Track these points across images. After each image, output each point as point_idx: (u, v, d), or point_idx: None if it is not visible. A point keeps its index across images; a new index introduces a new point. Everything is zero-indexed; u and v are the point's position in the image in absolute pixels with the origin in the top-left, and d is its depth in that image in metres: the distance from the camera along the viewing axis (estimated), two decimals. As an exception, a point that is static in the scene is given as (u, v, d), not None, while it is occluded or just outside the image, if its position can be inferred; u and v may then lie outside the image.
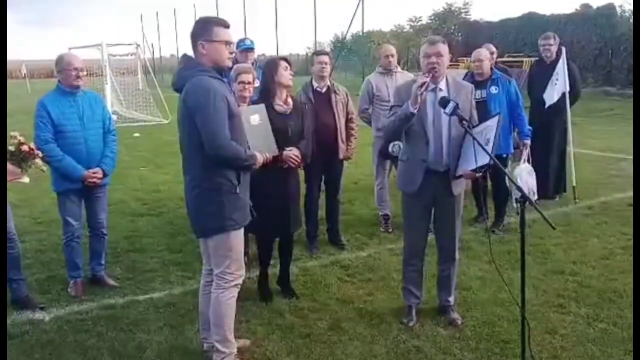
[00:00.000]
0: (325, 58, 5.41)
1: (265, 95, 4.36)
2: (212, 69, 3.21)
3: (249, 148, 3.44)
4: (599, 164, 9.32)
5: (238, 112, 3.32)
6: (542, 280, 4.76)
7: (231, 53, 3.28)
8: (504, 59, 21.07)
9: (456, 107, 3.45)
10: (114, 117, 16.16)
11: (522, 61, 19.93)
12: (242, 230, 3.44)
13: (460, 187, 4.00)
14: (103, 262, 4.91)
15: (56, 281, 4.91)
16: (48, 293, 4.69)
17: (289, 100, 4.41)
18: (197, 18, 3.43)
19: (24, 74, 30.45)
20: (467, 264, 5.11)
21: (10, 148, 3.87)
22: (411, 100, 3.62)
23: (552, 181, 7.11)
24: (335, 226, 5.83)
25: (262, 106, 4.15)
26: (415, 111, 3.63)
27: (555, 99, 6.88)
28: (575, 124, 10.84)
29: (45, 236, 6.04)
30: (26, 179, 4.00)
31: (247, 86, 4.60)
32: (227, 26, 3.26)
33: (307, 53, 30.02)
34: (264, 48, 29.73)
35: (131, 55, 19.69)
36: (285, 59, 4.46)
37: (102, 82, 16.31)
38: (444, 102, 3.51)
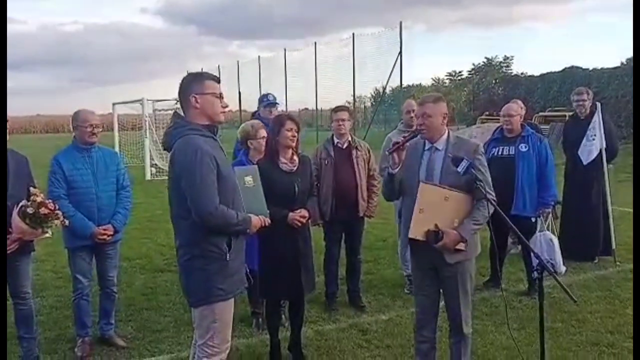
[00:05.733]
0: (343, 115, 5.29)
1: (271, 153, 4.26)
2: (203, 127, 3.06)
3: (244, 210, 3.22)
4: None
5: (229, 173, 3.14)
6: (575, 352, 4.38)
7: (224, 107, 3.14)
8: (546, 113, 20.70)
9: (469, 166, 3.26)
10: (153, 169, 16.45)
11: (565, 115, 19.49)
12: (231, 301, 3.19)
13: (460, 255, 3.47)
14: (112, 321, 4.78)
15: (65, 340, 4.80)
16: (55, 353, 4.57)
17: (295, 158, 4.29)
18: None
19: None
20: (494, 332, 4.77)
21: (29, 210, 3.81)
22: (390, 162, 3.53)
23: (589, 242, 6.71)
24: (356, 287, 5.57)
25: (254, 167, 3.86)
26: (395, 172, 3.50)
27: (594, 155, 6.59)
28: (621, 181, 10.38)
29: (63, 292, 5.94)
30: (48, 234, 3.97)
31: (261, 141, 4.60)
32: (218, 80, 3.16)
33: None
34: (305, 103, 30.03)
35: (173, 110, 20.08)
36: (291, 118, 4.34)
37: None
38: (456, 161, 3.32)
